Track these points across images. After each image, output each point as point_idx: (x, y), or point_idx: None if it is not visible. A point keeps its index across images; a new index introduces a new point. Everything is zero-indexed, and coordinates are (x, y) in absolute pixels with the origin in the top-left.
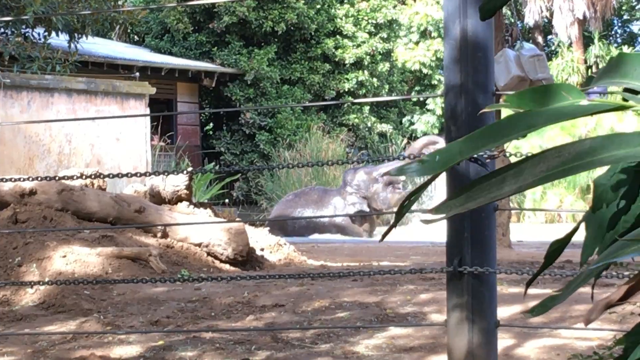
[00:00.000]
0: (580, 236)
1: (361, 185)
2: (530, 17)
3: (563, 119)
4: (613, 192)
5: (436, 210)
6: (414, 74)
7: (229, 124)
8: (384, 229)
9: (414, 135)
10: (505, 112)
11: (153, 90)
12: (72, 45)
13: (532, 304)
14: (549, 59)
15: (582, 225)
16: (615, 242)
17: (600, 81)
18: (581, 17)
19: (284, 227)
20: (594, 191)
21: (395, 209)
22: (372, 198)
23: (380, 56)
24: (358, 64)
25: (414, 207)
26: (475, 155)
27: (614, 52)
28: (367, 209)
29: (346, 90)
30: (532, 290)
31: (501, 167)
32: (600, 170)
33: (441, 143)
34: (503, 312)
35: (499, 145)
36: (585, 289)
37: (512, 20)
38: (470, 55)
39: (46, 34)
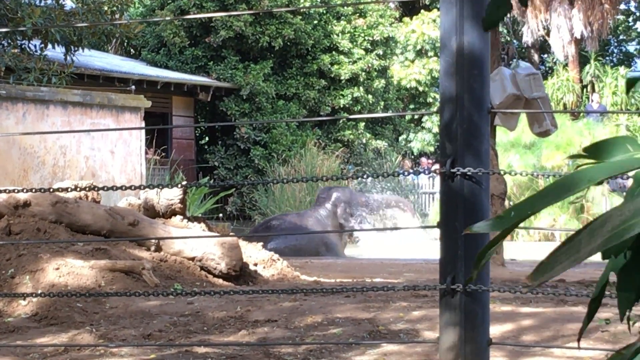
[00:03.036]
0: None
1: (346, 203)
2: (528, 35)
3: (622, 171)
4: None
5: (532, 278)
6: (409, 92)
7: (224, 138)
8: (352, 247)
9: (409, 152)
10: (500, 131)
11: (148, 104)
12: (68, 57)
13: (525, 322)
14: (545, 78)
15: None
16: None
17: None
18: (578, 37)
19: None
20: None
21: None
22: (349, 217)
23: (376, 73)
24: (354, 80)
25: (411, 224)
26: (469, 173)
27: (610, 71)
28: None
29: (341, 106)
30: (525, 309)
31: (577, 231)
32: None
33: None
34: (495, 330)
35: (565, 198)
36: (577, 308)
37: (509, 39)
38: (466, 72)
39: (42, 45)
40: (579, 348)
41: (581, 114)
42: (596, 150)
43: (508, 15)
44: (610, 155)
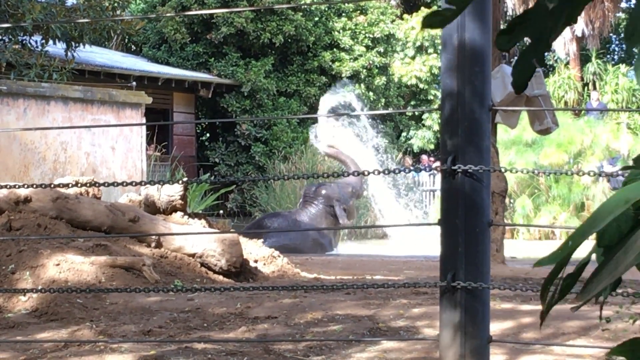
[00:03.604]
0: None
1: (338, 200)
2: None
3: None
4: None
5: (580, 297)
6: (409, 89)
7: (225, 135)
8: (347, 242)
9: (409, 150)
10: (501, 128)
11: (149, 100)
12: (69, 53)
13: (525, 320)
14: (546, 76)
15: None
16: None
17: None
18: (579, 35)
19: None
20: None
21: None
22: (349, 211)
23: (377, 70)
24: (354, 78)
25: (407, 221)
26: (470, 170)
27: (611, 70)
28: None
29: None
30: (525, 307)
31: (613, 250)
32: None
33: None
34: (495, 327)
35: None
36: None
37: None
38: (468, 69)
39: (44, 41)
40: (570, 346)
41: (582, 112)
42: None
43: (510, 16)
44: None
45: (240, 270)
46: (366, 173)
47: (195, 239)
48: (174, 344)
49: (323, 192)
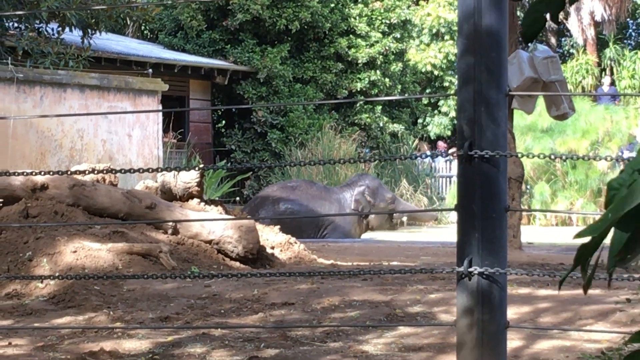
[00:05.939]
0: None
1: (372, 192)
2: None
3: None
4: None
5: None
6: (425, 76)
7: (241, 122)
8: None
9: (426, 136)
10: (517, 114)
11: (166, 87)
12: (86, 40)
13: (542, 305)
14: (563, 61)
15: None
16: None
17: None
18: (597, 19)
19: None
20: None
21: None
22: (373, 208)
23: (393, 56)
24: (371, 64)
25: (426, 206)
26: (486, 156)
27: (628, 55)
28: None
29: (358, 89)
30: (542, 292)
31: None
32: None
33: None
34: (512, 312)
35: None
36: (595, 291)
37: None
38: (484, 56)
39: (60, 29)
40: (587, 330)
41: (596, 98)
42: None
43: (527, 1)
44: None
45: (256, 256)
46: (382, 159)
47: (211, 226)
48: (191, 330)
49: (363, 180)
